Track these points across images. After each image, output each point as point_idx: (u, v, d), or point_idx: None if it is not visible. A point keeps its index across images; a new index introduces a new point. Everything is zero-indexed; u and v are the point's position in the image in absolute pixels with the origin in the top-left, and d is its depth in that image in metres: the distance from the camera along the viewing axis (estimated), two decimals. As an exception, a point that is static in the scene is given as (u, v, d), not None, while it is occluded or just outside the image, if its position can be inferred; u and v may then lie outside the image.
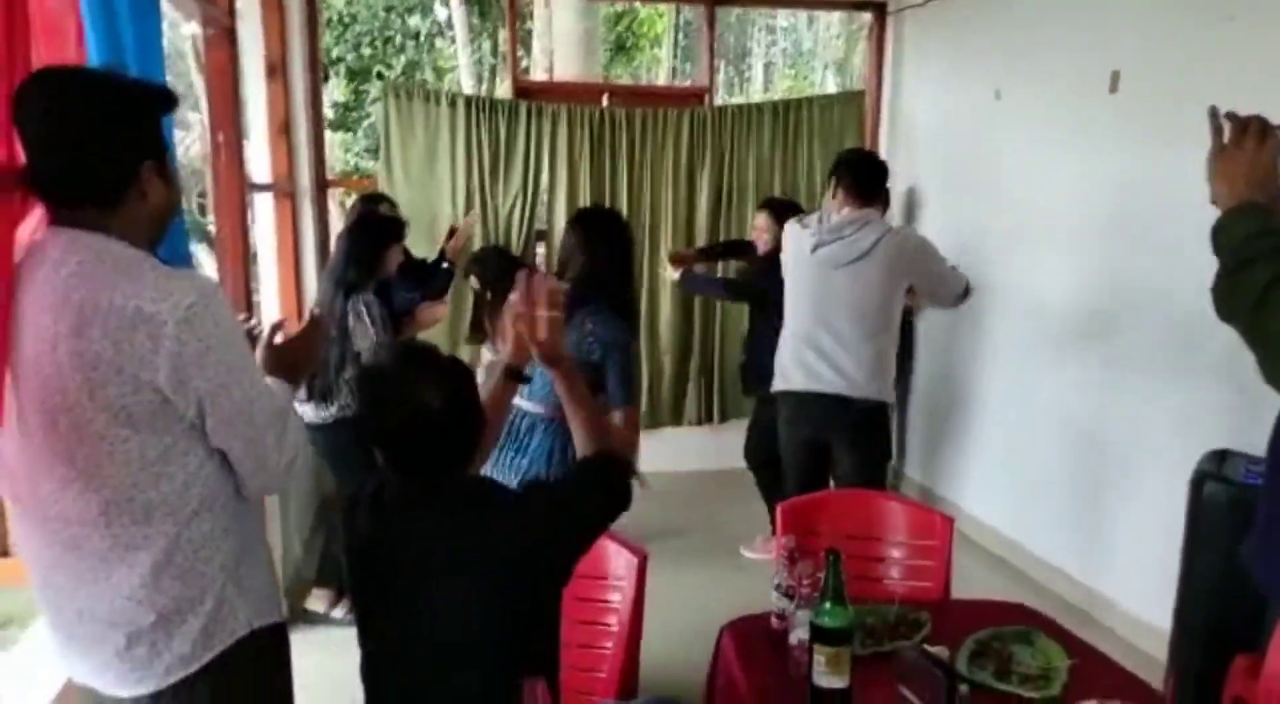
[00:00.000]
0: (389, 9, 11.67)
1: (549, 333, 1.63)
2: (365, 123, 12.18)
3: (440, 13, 12.00)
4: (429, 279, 3.78)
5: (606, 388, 2.22)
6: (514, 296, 1.68)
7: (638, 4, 12.14)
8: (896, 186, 4.54)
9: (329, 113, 12.63)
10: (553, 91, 4.75)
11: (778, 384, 3.14)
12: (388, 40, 11.36)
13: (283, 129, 4.14)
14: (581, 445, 1.64)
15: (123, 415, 1.34)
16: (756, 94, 15.46)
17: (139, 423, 1.34)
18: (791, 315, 3.11)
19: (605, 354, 2.23)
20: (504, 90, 4.88)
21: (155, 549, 1.39)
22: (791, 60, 18.24)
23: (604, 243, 2.38)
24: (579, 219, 2.50)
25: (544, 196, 4.55)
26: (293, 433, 1.52)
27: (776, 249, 3.34)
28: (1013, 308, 3.93)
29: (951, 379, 4.37)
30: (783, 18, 17.49)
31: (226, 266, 3.15)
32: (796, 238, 3.09)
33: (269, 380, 1.54)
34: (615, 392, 2.22)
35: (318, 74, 4.29)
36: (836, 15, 17.45)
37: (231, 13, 3.04)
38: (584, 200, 4.53)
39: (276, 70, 4.09)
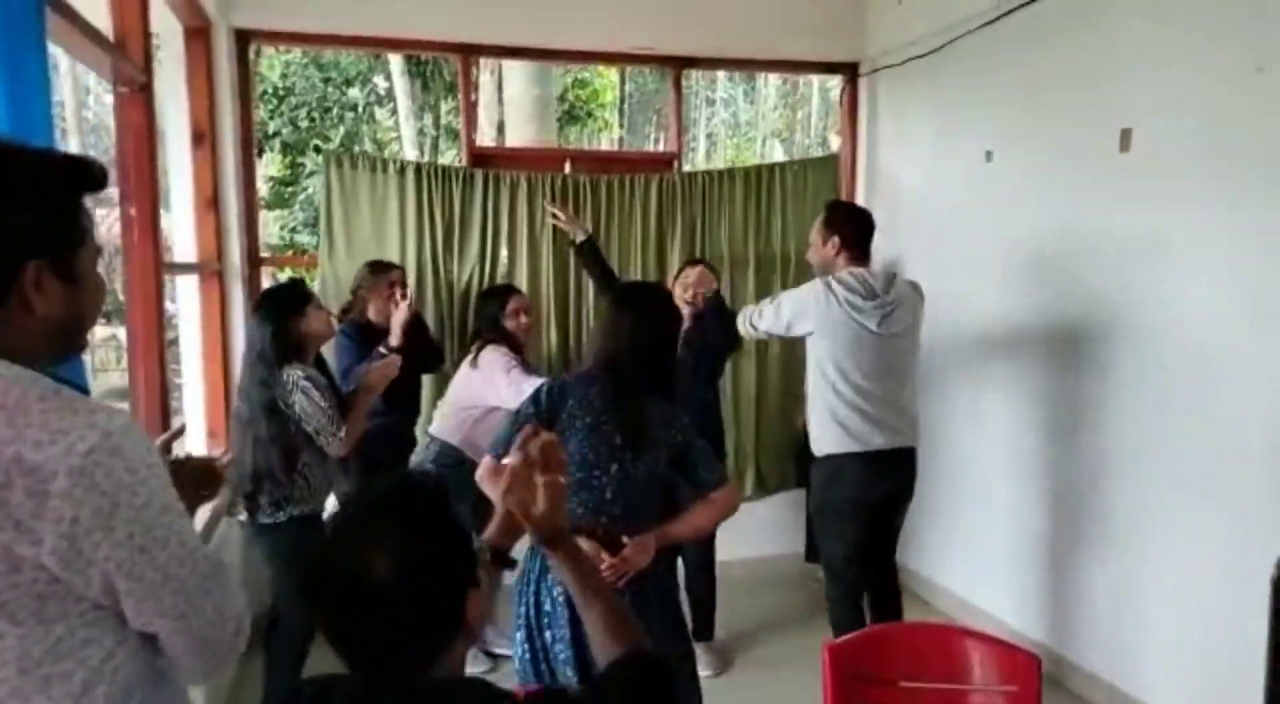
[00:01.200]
0: (326, 80, 11.36)
1: (550, 504, 1.27)
2: (302, 197, 11.77)
3: (380, 84, 11.75)
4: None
5: (694, 478, 2.15)
6: (511, 459, 1.32)
7: (589, 72, 12.06)
8: (879, 252, 4.29)
9: (263, 188, 12.22)
10: (509, 158, 4.42)
11: (849, 446, 3.03)
12: (326, 111, 11.00)
13: (210, 203, 3.72)
14: (602, 646, 1.23)
15: None
16: (701, 164, 15.49)
17: (19, 614, 1.00)
18: (851, 375, 3.03)
19: (689, 442, 2.14)
20: (455, 158, 4.48)
21: None
22: (731, 131, 18.43)
23: (650, 322, 2.22)
24: (625, 298, 2.35)
25: (503, 269, 4.17)
26: (235, 595, 1.16)
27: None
28: (1012, 383, 3.64)
29: (944, 459, 4.05)
30: (722, 88, 17.74)
31: (137, 358, 2.68)
32: (854, 307, 3.01)
33: None
34: (709, 476, 2.15)
35: (250, 142, 3.89)
36: (774, 87, 17.85)
37: (148, 68, 2.64)
38: (547, 272, 4.17)
39: (204, 138, 3.69)
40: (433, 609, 1.04)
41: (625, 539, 2.03)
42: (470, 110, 4.22)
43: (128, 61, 2.54)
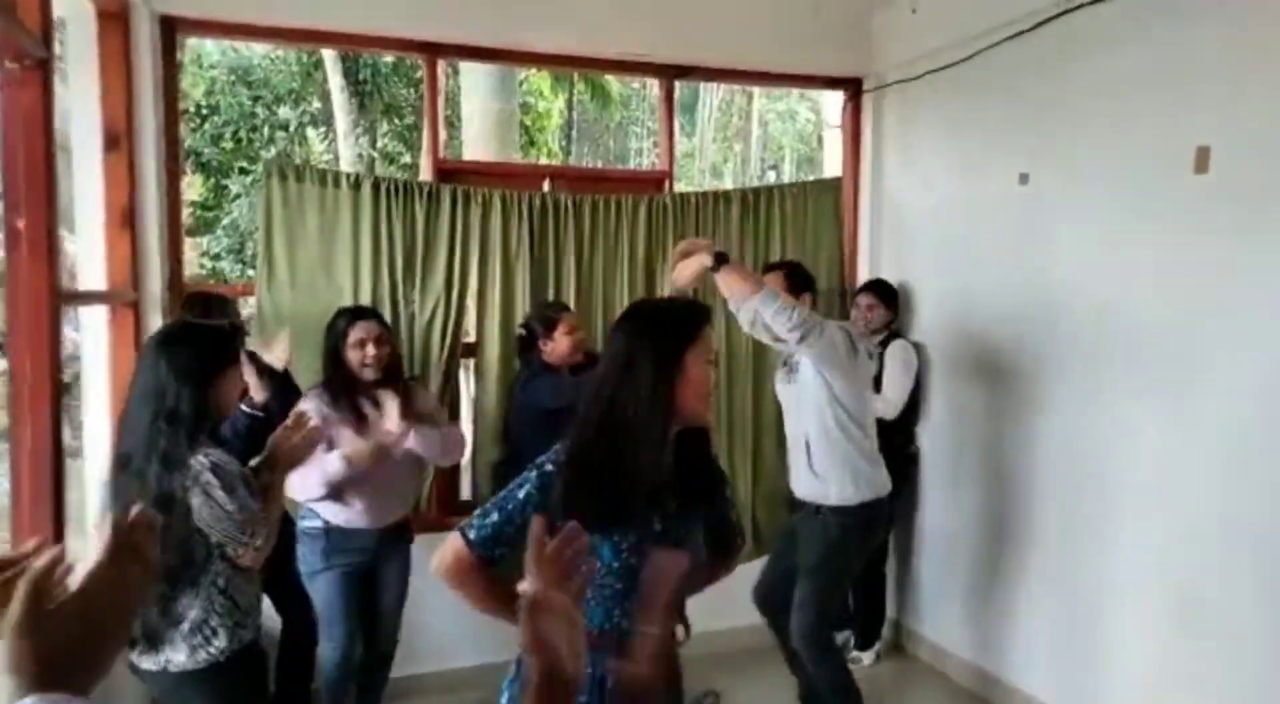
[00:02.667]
0: (256, 98, 10.65)
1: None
2: (225, 222, 10.98)
3: (315, 104, 11.09)
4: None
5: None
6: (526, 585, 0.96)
7: (533, 95, 11.61)
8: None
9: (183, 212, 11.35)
10: (480, 174, 3.89)
11: (876, 493, 3.03)
12: (254, 129, 10.29)
13: (125, 220, 3.11)
14: None
15: None
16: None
17: None
18: (867, 423, 3.05)
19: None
20: (411, 173, 3.94)
21: None
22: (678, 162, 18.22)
23: None
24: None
25: (472, 301, 3.64)
26: None
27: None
28: (1059, 437, 3.25)
29: (984, 528, 3.63)
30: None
31: (21, 407, 2.08)
32: (868, 355, 3.01)
33: None
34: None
35: (177, 149, 3.30)
36: (714, 119, 17.67)
37: (48, 42, 2.07)
38: (522, 302, 3.64)
39: (119, 143, 3.09)
40: None
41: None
42: (435, 118, 3.68)
43: (20, 29, 1.96)
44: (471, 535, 1.59)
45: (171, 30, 3.25)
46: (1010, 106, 3.42)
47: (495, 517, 1.59)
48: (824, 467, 2.98)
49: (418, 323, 3.54)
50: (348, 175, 3.48)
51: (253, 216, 10.51)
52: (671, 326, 1.63)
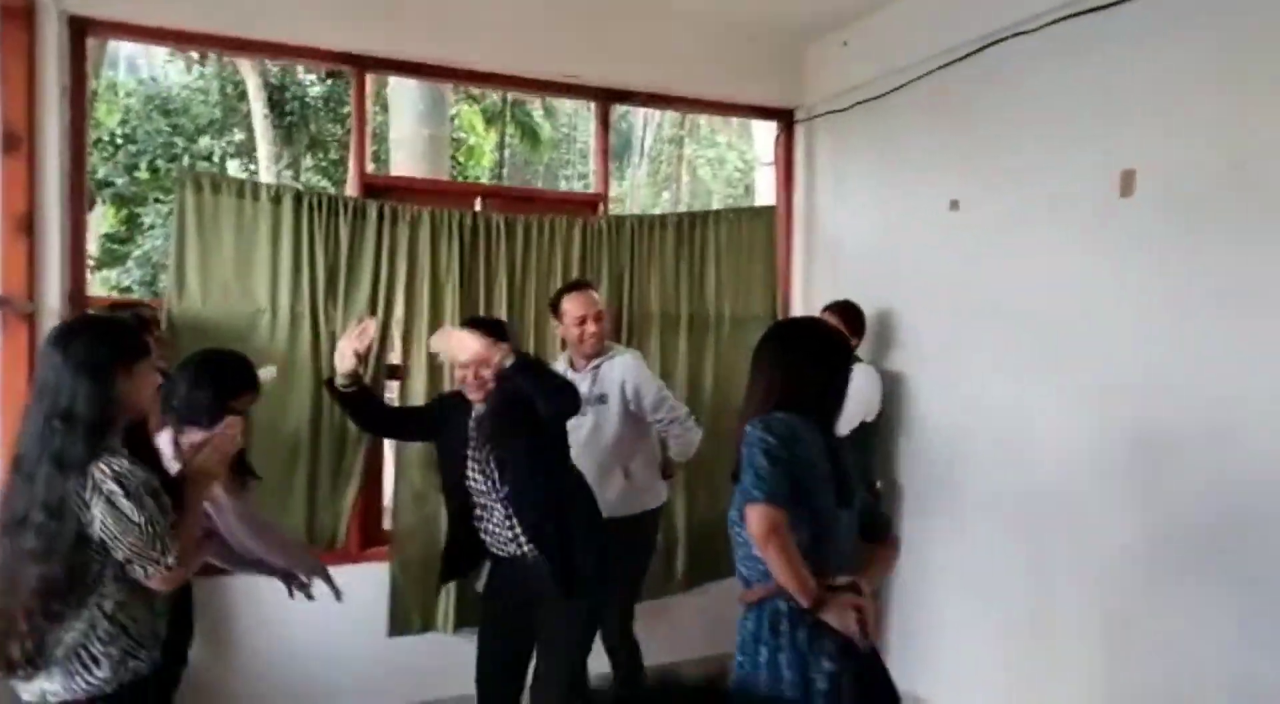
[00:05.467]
0: (174, 127, 10.33)
1: None
2: (137, 254, 10.56)
3: (237, 136, 10.81)
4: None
5: None
6: None
7: (464, 131, 11.54)
8: (816, 311, 3.88)
9: (93, 246, 10.80)
10: (410, 189, 3.78)
11: None
12: (173, 159, 9.95)
13: (22, 225, 2.91)
14: None
15: None
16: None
17: None
18: None
19: None
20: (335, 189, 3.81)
21: None
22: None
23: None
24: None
25: (398, 321, 3.49)
26: None
27: None
28: (990, 455, 3.25)
29: (924, 553, 3.59)
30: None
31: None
32: None
33: None
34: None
35: (83, 153, 3.11)
36: (644, 164, 17.86)
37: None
38: (452, 322, 3.50)
39: (19, 143, 2.90)
40: None
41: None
42: (362, 133, 3.57)
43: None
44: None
45: (81, 31, 3.09)
46: (940, 135, 3.48)
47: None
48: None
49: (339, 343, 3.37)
50: (268, 187, 3.33)
51: (166, 248, 10.13)
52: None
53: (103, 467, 1.76)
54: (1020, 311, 3.12)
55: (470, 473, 2.61)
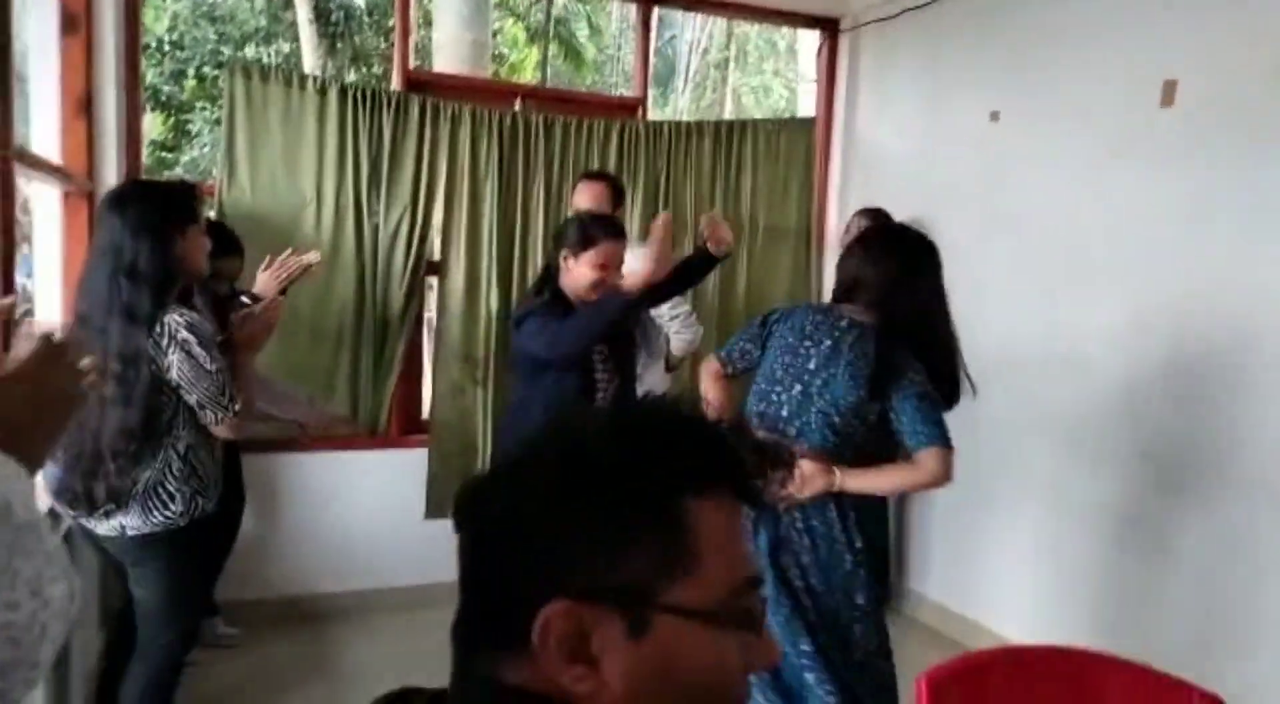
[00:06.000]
0: (220, 34, 10.38)
1: None
2: (185, 159, 10.73)
3: (284, 47, 10.83)
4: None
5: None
6: None
7: (508, 46, 11.45)
8: (854, 229, 3.88)
9: (143, 153, 10.91)
10: (451, 87, 3.82)
11: None
12: (219, 66, 10.01)
13: (82, 106, 3.01)
14: None
15: None
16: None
17: None
18: None
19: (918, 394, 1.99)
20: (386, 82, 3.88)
21: None
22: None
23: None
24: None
25: (438, 218, 3.58)
26: (37, 585, 0.65)
27: None
28: (1021, 374, 3.29)
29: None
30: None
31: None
32: None
33: None
34: (916, 432, 1.95)
35: (137, 40, 3.19)
36: (688, 92, 17.57)
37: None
38: (490, 221, 3.60)
39: (78, 23, 2.97)
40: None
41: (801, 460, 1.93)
42: (406, 26, 3.60)
43: None
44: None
45: (136, -86, 3.14)
46: (982, 46, 3.44)
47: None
48: None
49: (382, 234, 3.48)
50: (313, 78, 3.40)
51: (214, 156, 10.28)
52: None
53: (176, 318, 1.92)
54: (1055, 223, 3.13)
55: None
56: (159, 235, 1.93)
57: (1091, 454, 3.00)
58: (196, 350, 1.93)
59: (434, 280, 3.70)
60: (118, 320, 1.90)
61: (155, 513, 1.97)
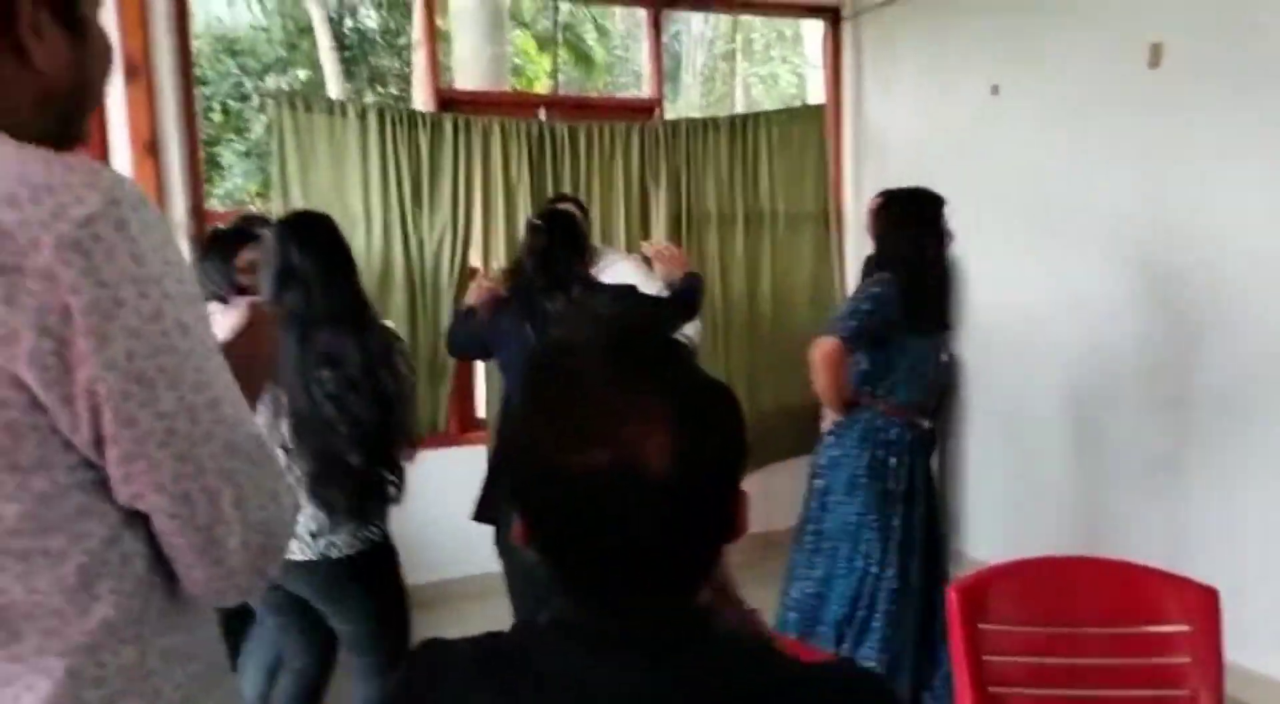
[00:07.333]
0: (242, 67, 10.73)
1: None
2: (220, 192, 11.09)
3: (300, 72, 11.17)
4: None
5: None
6: None
7: (521, 57, 11.69)
8: (865, 206, 4.07)
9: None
10: (480, 103, 4.07)
11: None
12: (243, 98, 10.38)
13: (149, 147, 3.28)
14: None
15: None
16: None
17: None
18: None
19: None
20: (421, 104, 4.12)
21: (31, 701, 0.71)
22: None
23: None
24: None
25: (477, 225, 3.82)
26: (274, 494, 0.80)
27: None
28: (1025, 336, 3.47)
29: (995, 428, 3.84)
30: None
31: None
32: None
33: None
34: None
35: (190, 79, 3.46)
36: (698, 82, 17.74)
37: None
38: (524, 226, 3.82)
39: (139, 71, 3.25)
40: (710, 509, 0.70)
41: None
42: (434, 47, 3.84)
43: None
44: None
45: (182, -32, 3.41)
46: (980, 23, 3.62)
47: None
48: None
49: (427, 248, 3.72)
50: (353, 102, 3.66)
51: (245, 185, 10.63)
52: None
53: (392, 330, 2.06)
54: (1055, 184, 3.31)
55: None
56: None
57: (1106, 401, 3.18)
58: (404, 368, 2.03)
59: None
60: (350, 331, 1.92)
61: (361, 532, 1.99)
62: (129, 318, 0.68)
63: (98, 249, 0.66)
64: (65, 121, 0.80)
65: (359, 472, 1.89)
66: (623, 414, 0.66)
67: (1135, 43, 2.95)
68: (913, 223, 2.61)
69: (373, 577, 2.04)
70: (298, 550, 1.92)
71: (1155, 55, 2.91)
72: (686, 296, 2.82)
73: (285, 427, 1.89)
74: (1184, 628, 1.48)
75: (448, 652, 0.74)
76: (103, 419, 0.68)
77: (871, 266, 2.96)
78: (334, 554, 1.94)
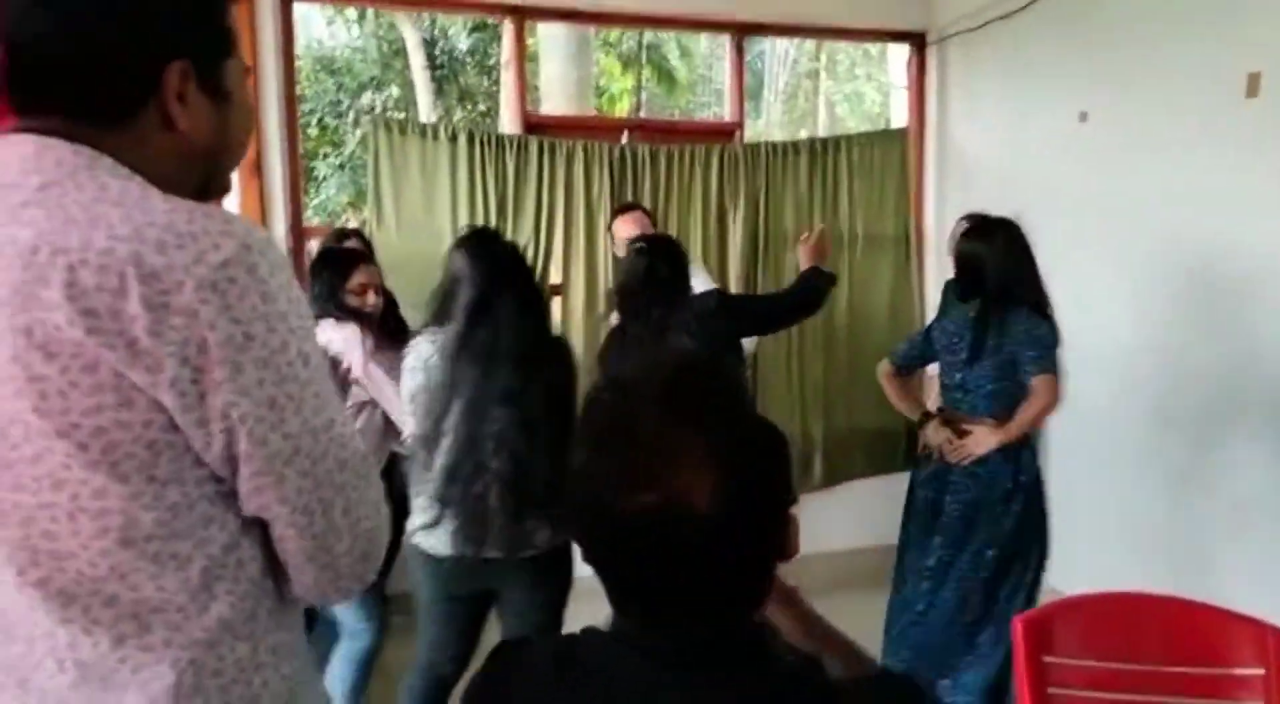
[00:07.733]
0: (339, 86, 11.17)
1: None
2: (315, 203, 11.54)
3: (394, 92, 11.57)
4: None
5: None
6: None
7: (603, 80, 11.91)
8: (947, 232, 4.03)
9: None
10: (565, 127, 4.19)
11: None
12: (340, 115, 10.80)
13: (254, 169, 3.48)
14: None
15: (96, 448, 0.75)
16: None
17: (124, 465, 0.76)
18: None
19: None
20: (507, 125, 4.25)
21: (155, 690, 0.80)
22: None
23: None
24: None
25: (559, 244, 3.92)
26: (374, 505, 0.90)
27: None
28: (1120, 370, 3.39)
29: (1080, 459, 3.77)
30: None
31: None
32: None
33: None
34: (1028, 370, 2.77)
35: (294, 106, 3.66)
36: (780, 101, 17.72)
37: None
38: (604, 249, 3.92)
39: (247, 97, 3.44)
40: (754, 542, 0.75)
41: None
42: (522, 76, 3.98)
43: None
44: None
45: (289, 1, 3.61)
46: (1067, 48, 3.57)
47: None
48: None
49: (509, 264, 3.84)
50: (445, 126, 3.80)
51: (338, 198, 11.05)
52: None
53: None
54: (1146, 216, 3.24)
55: None
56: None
57: (1188, 437, 3.09)
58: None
59: (558, 300, 4.04)
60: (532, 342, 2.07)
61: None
62: (259, 350, 0.77)
63: (232, 289, 0.75)
64: (208, 176, 0.91)
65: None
66: (671, 457, 0.70)
67: (1232, 72, 2.88)
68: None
69: (563, 574, 2.12)
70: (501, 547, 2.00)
71: (1253, 85, 2.84)
72: (803, 294, 2.91)
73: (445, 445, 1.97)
74: (1258, 671, 1.45)
75: (525, 652, 0.81)
76: (236, 439, 0.78)
77: (953, 291, 3.00)
78: (530, 551, 2.02)
